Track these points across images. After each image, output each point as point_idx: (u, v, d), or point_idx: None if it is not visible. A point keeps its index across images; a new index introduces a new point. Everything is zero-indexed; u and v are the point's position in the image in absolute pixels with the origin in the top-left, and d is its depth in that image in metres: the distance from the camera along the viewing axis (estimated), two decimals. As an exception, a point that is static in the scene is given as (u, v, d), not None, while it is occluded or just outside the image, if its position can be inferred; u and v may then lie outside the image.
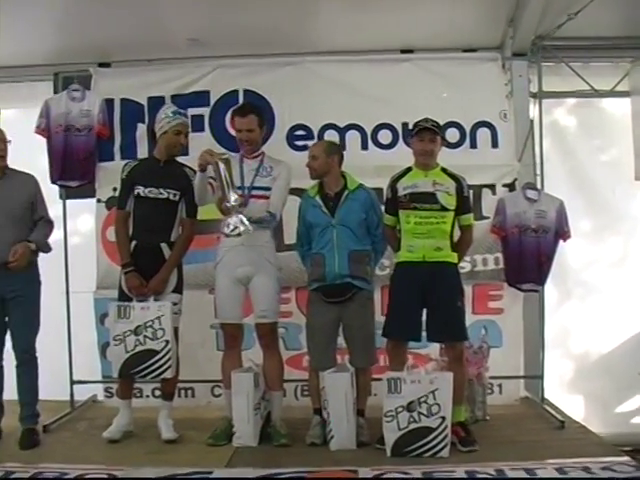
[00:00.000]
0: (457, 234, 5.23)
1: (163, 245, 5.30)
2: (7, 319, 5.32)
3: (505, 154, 6.31)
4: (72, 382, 6.26)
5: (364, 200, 5.26)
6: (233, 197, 4.96)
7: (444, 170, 5.20)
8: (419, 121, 5.20)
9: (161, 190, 5.29)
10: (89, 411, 6.28)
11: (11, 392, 5.42)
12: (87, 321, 6.21)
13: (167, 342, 5.17)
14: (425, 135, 5.13)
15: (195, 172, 5.30)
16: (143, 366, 5.18)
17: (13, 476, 4.52)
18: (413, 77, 6.33)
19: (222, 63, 6.41)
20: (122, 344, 5.18)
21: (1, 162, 5.32)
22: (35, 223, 5.40)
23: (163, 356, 5.17)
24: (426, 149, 5.14)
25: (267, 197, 5.26)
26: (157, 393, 5.93)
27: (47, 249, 5.46)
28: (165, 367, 5.19)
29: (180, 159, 5.54)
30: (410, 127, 5.63)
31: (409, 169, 5.24)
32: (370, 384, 5.33)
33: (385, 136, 6.30)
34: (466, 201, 5.21)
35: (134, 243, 5.33)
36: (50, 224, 5.52)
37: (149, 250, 5.27)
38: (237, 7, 6.15)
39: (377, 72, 6.37)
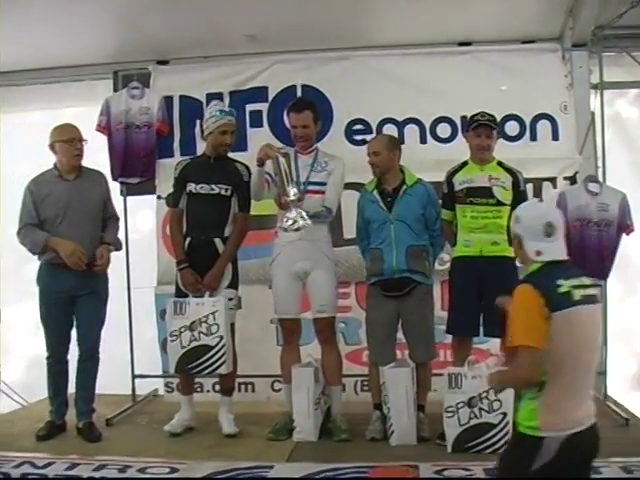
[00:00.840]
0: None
1: (217, 240, 5.32)
2: (75, 316, 5.40)
3: (566, 147, 6.21)
4: (134, 376, 6.37)
5: (422, 195, 5.22)
6: (292, 191, 4.98)
7: (500, 164, 5.16)
8: (475, 115, 5.17)
9: (213, 186, 5.32)
10: (150, 405, 6.36)
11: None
12: (148, 316, 6.30)
13: (221, 337, 5.19)
14: (482, 130, 5.10)
15: (247, 167, 5.35)
16: (198, 362, 5.21)
17: (77, 468, 4.61)
18: (472, 69, 6.26)
19: (279, 59, 6.45)
20: (178, 340, 5.22)
21: (77, 161, 5.43)
22: (105, 220, 5.51)
23: (217, 351, 5.20)
24: (483, 144, 5.11)
25: (322, 192, 5.28)
26: (217, 388, 5.94)
27: (120, 247, 5.64)
28: (220, 362, 5.21)
29: (238, 155, 5.57)
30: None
31: (465, 163, 5.21)
32: (430, 379, 5.31)
33: (444, 130, 6.25)
34: (522, 195, 5.13)
35: (188, 239, 5.38)
36: (117, 220, 5.66)
37: (203, 246, 5.30)
38: (293, 2, 6.15)
39: (435, 65, 6.33)
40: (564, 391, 3.12)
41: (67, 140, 5.35)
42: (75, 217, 5.32)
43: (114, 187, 6.28)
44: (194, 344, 5.20)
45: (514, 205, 5.02)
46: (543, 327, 3.04)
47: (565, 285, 3.10)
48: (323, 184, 5.28)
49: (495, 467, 3.50)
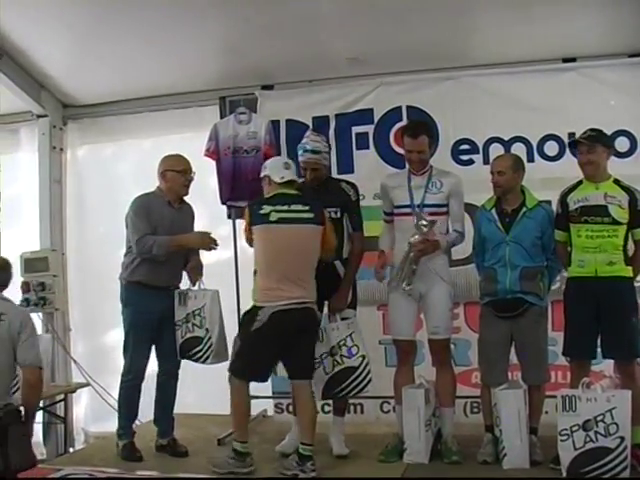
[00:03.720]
0: (631, 248, 5.04)
1: (337, 263, 5.37)
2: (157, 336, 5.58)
3: (679, 161, 6.04)
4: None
5: (542, 219, 5.16)
6: (407, 287, 5.14)
7: (617, 182, 5.03)
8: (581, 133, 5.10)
9: None
10: (260, 425, 6.41)
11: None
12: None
13: (363, 357, 5.23)
14: (582, 147, 5.02)
15: (353, 185, 5.42)
16: (344, 385, 5.23)
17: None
18: (578, 86, 6.18)
19: (384, 81, 6.48)
20: (321, 367, 5.23)
21: (186, 192, 5.62)
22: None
23: (362, 372, 5.23)
24: (583, 160, 5.02)
25: (439, 214, 5.26)
26: (326, 409, 5.99)
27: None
28: (366, 382, 5.24)
29: (346, 177, 5.63)
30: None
31: (580, 182, 5.10)
32: (543, 401, 5.21)
33: (551, 148, 6.18)
34: (639, 214, 5.03)
35: None
36: None
37: (324, 269, 5.30)
38: (395, 24, 6.18)
39: (540, 83, 6.26)
40: (270, 279, 4.94)
41: (181, 171, 5.53)
42: None
43: (222, 210, 6.51)
44: (338, 368, 5.23)
45: (631, 224, 4.95)
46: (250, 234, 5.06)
47: (267, 209, 4.93)
48: (439, 206, 5.26)
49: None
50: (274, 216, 4.96)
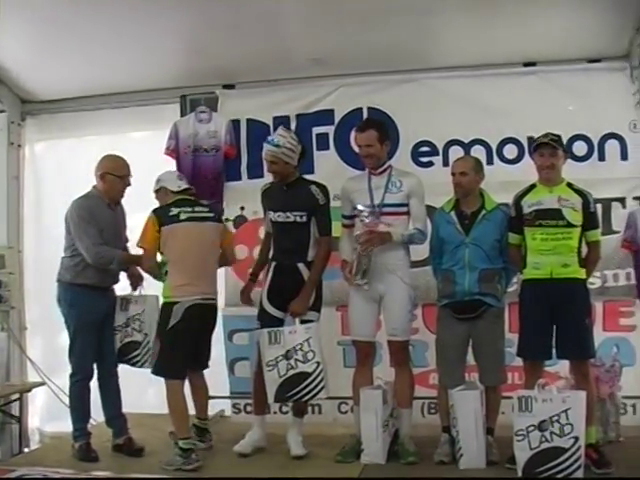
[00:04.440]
0: (585, 250, 5.10)
1: (300, 265, 5.35)
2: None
3: (635, 166, 6.12)
4: (201, 397, 6.40)
5: (500, 221, 5.20)
6: (361, 281, 5.16)
7: (570, 185, 5.09)
8: (540, 136, 5.13)
9: (288, 214, 5.34)
10: (217, 426, 6.34)
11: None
12: (216, 338, 6.33)
13: (318, 363, 5.22)
14: (545, 150, 5.05)
15: (324, 188, 5.38)
16: (297, 389, 5.22)
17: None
18: (538, 90, 6.24)
19: (345, 82, 6.50)
20: (275, 369, 5.22)
21: (122, 195, 5.66)
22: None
23: (315, 378, 5.21)
24: (546, 164, 5.05)
25: (399, 214, 5.27)
26: (284, 409, 6.01)
27: None
28: (319, 388, 5.23)
29: (306, 176, 5.62)
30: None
31: (533, 186, 5.15)
32: (499, 402, 5.25)
33: (510, 151, 6.24)
34: (593, 217, 5.09)
35: (274, 263, 5.44)
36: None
37: (288, 270, 5.34)
38: (358, 26, 6.18)
39: (500, 86, 6.31)
40: (182, 275, 5.24)
41: (120, 176, 5.52)
42: (117, 245, 5.59)
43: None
44: (291, 372, 5.22)
45: (584, 227, 5.01)
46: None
47: (175, 211, 5.33)
48: (399, 205, 5.26)
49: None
50: (183, 215, 5.37)
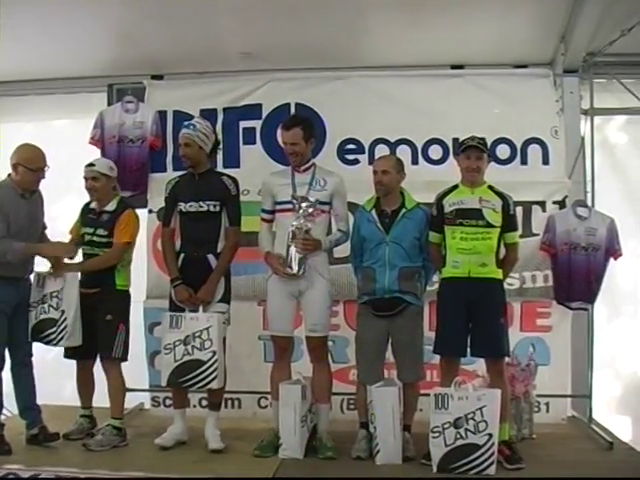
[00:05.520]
0: (503, 252, 5.19)
1: (210, 256, 5.35)
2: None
3: (556, 171, 6.26)
4: (120, 390, 6.34)
5: (420, 220, 5.26)
6: (295, 269, 5.16)
7: (491, 187, 5.17)
8: (466, 139, 5.19)
9: (201, 203, 5.33)
10: (136, 419, 6.31)
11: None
12: (136, 330, 6.27)
13: (214, 353, 5.20)
14: (471, 153, 5.11)
15: (234, 180, 5.39)
16: (190, 376, 5.22)
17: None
18: (464, 93, 6.32)
19: (274, 77, 6.48)
20: (171, 353, 5.24)
21: (36, 187, 5.43)
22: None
23: (210, 366, 5.20)
24: (472, 166, 5.12)
25: (323, 211, 5.28)
26: (204, 403, 5.96)
27: None
28: (211, 378, 5.22)
29: (232, 171, 5.61)
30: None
31: (455, 186, 5.22)
32: (417, 399, 5.31)
33: (435, 151, 6.30)
34: (512, 219, 5.18)
35: (182, 255, 5.41)
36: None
37: (196, 262, 5.32)
38: (289, 21, 6.22)
39: (428, 87, 6.37)
40: None
41: (33, 169, 5.32)
42: (32, 233, 5.41)
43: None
44: (187, 358, 5.22)
45: (503, 228, 5.10)
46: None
47: None
48: (323, 203, 5.26)
49: None
50: None
